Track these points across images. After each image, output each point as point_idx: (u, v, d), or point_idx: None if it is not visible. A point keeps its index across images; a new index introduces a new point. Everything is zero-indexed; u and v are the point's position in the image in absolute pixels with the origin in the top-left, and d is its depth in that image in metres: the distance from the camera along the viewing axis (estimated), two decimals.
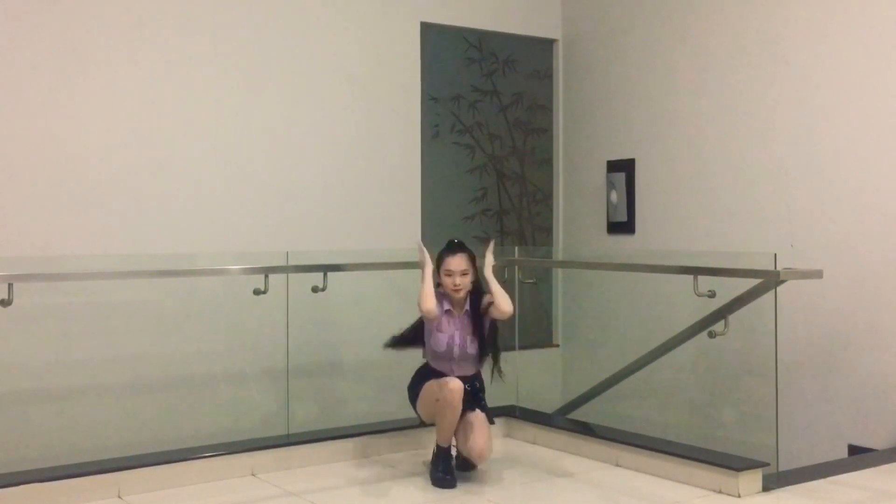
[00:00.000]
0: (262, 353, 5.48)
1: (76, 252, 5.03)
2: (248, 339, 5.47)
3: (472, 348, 4.47)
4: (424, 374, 4.54)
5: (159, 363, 5.24)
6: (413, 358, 6.06)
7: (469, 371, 4.51)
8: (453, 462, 4.45)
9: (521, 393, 5.68)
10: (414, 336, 4.63)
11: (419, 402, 4.52)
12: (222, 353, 5.44)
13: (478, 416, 4.45)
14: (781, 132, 5.54)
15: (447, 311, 4.47)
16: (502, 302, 4.40)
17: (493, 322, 4.54)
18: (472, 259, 4.49)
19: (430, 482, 4.41)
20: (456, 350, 4.44)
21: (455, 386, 4.29)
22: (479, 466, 4.52)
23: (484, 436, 4.41)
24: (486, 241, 4.75)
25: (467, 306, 4.49)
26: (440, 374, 4.43)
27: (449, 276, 4.41)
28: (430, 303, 4.35)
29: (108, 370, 5.11)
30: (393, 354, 5.64)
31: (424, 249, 4.55)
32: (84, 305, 5.03)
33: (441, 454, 4.42)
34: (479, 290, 4.52)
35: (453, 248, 4.48)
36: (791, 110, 5.49)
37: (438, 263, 4.47)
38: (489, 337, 4.53)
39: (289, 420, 5.13)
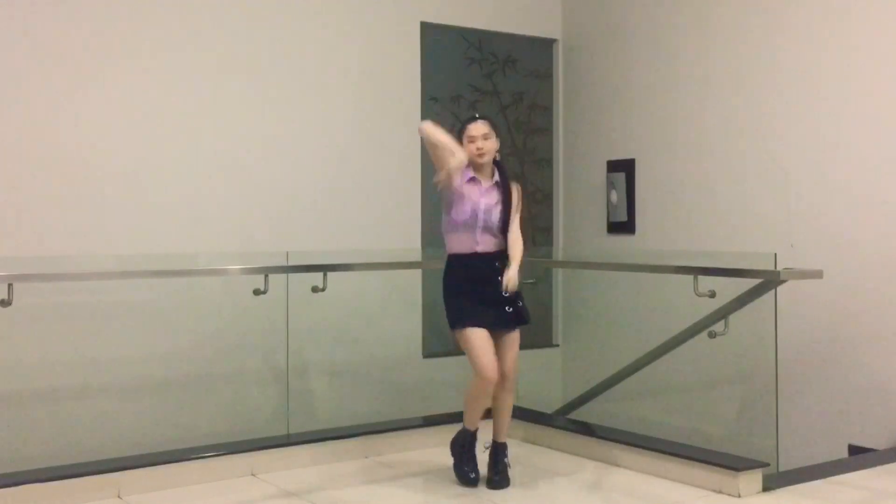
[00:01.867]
0: (262, 353, 5.48)
1: (76, 252, 5.03)
2: (248, 339, 5.47)
3: (498, 220, 4.29)
4: (451, 282, 4.35)
5: (159, 363, 5.24)
6: (413, 359, 6.08)
7: (495, 245, 4.31)
8: (475, 449, 4.42)
9: (521, 393, 5.67)
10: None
11: (460, 341, 4.31)
12: (222, 353, 5.43)
13: (512, 337, 4.34)
14: (781, 132, 5.54)
15: (472, 179, 4.29)
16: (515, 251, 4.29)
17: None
18: (495, 127, 4.38)
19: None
20: (480, 217, 4.26)
21: (492, 376, 4.20)
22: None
23: (514, 360, 4.34)
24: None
25: (496, 178, 4.34)
26: (465, 270, 4.28)
27: (472, 141, 4.27)
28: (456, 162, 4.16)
29: (109, 370, 5.11)
30: (392, 355, 5.66)
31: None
32: (84, 305, 5.03)
33: (467, 439, 4.41)
34: (504, 167, 4.39)
35: (473, 118, 4.40)
36: (791, 110, 5.49)
37: (461, 136, 4.32)
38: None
39: (289, 420, 5.13)
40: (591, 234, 6.75)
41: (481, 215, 4.27)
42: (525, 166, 6.89)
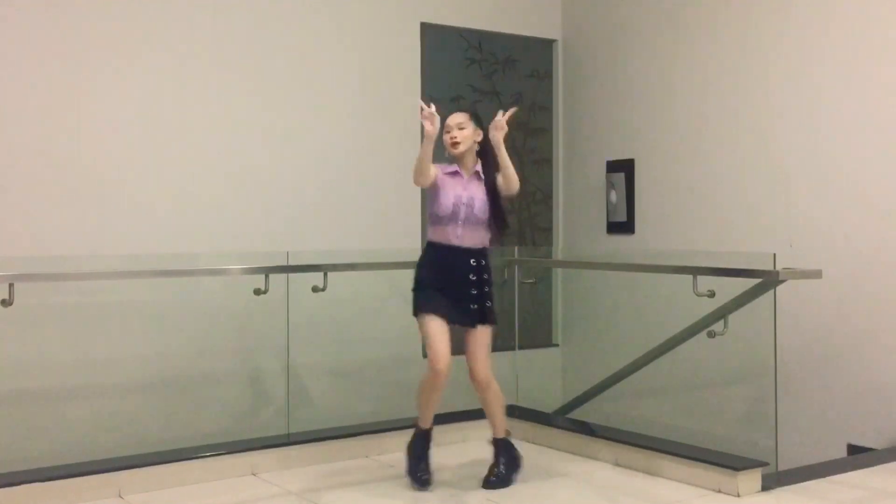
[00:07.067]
0: (262, 353, 5.48)
1: (76, 252, 5.04)
2: (248, 339, 5.48)
3: (481, 212, 4.22)
4: (421, 270, 4.28)
5: (160, 363, 5.25)
6: (413, 359, 6.08)
7: (476, 241, 4.25)
8: (430, 448, 4.34)
9: (521, 393, 5.68)
10: None
11: (420, 328, 4.24)
12: (222, 353, 5.44)
13: (479, 338, 4.26)
14: (781, 132, 5.54)
15: (454, 173, 4.24)
16: (510, 180, 4.23)
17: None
18: (474, 118, 4.30)
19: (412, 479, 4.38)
20: (462, 210, 4.18)
21: (442, 367, 4.10)
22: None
23: (484, 360, 4.25)
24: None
25: (477, 167, 4.28)
26: (439, 259, 4.22)
27: (447, 131, 4.22)
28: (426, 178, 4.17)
29: (109, 370, 5.12)
30: (392, 355, 5.63)
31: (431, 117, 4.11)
32: (84, 305, 5.04)
33: (420, 437, 4.33)
34: (489, 158, 4.29)
35: (454, 110, 4.35)
36: (791, 110, 5.49)
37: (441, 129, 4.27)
38: (497, 211, 4.28)
39: (289, 420, 5.14)
40: (590, 234, 6.76)
41: (463, 209, 4.21)
42: (525, 166, 6.89)
